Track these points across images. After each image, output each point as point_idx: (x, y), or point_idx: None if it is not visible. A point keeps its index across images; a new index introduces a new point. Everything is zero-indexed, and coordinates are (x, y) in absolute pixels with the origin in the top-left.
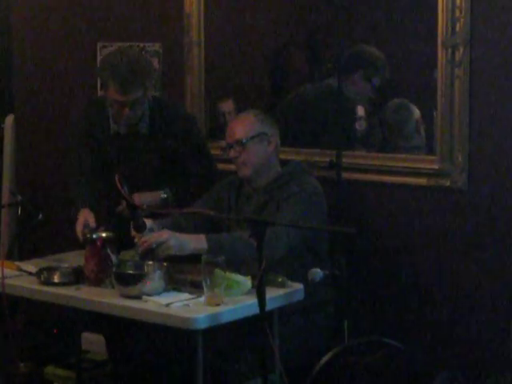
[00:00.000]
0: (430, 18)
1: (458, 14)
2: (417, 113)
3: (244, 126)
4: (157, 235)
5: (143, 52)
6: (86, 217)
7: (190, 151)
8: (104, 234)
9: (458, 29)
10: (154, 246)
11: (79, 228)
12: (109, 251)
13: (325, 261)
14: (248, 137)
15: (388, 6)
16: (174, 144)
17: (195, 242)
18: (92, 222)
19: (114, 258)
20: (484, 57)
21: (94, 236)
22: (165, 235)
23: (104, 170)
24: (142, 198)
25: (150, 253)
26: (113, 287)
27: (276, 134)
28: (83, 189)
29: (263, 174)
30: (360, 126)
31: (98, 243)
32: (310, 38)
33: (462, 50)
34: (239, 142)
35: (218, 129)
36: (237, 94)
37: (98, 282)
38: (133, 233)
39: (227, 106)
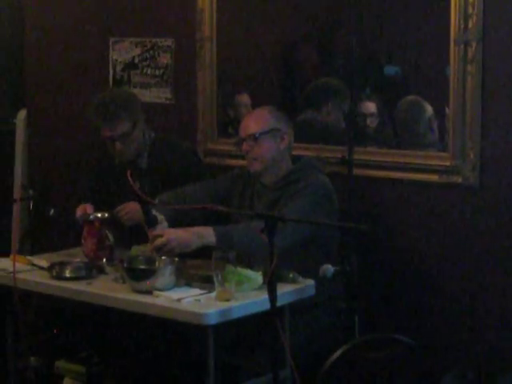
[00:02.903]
0: (442, 15)
1: (470, 10)
2: (429, 110)
3: (258, 120)
4: (160, 237)
5: (155, 47)
6: (85, 205)
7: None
8: (100, 215)
9: (470, 25)
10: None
11: (79, 212)
12: (106, 231)
13: (336, 257)
14: (261, 131)
15: (400, 2)
16: (173, 180)
17: (202, 236)
18: (90, 209)
19: (110, 237)
20: (496, 53)
21: (92, 217)
22: (165, 238)
23: (106, 200)
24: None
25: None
26: (124, 282)
27: (289, 132)
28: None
29: (273, 170)
30: (372, 122)
31: (96, 223)
32: (322, 32)
33: (474, 46)
34: (252, 136)
35: (230, 124)
36: (250, 89)
37: (97, 260)
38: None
39: (244, 98)
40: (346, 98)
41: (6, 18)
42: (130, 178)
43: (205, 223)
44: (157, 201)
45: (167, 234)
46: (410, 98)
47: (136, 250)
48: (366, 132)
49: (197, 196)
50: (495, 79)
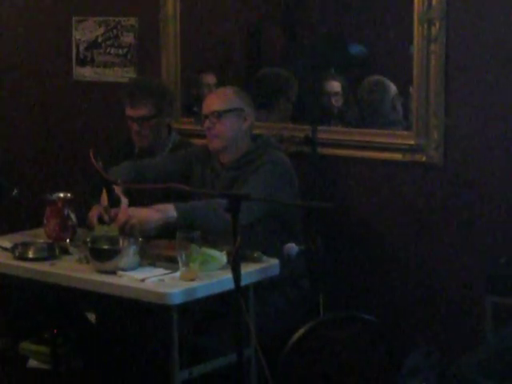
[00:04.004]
0: None
1: None
2: (393, 89)
3: (222, 98)
4: (122, 216)
5: (119, 26)
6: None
7: None
8: (62, 195)
9: (434, 3)
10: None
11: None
12: (69, 211)
13: (300, 236)
14: (225, 109)
15: None
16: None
17: (162, 212)
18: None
19: (73, 217)
20: (460, 32)
21: (54, 197)
22: (125, 216)
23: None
24: None
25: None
26: (88, 262)
27: (252, 113)
28: None
29: (232, 149)
30: (336, 101)
31: (59, 204)
32: (286, 12)
33: (438, 25)
34: (215, 113)
35: (195, 103)
36: (214, 69)
37: (59, 240)
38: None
39: (208, 78)
40: (293, 87)
41: None
42: (92, 158)
43: (166, 199)
44: (119, 181)
45: (127, 212)
46: (374, 77)
47: (100, 230)
48: (331, 111)
49: (158, 171)
50: (458, 58)
